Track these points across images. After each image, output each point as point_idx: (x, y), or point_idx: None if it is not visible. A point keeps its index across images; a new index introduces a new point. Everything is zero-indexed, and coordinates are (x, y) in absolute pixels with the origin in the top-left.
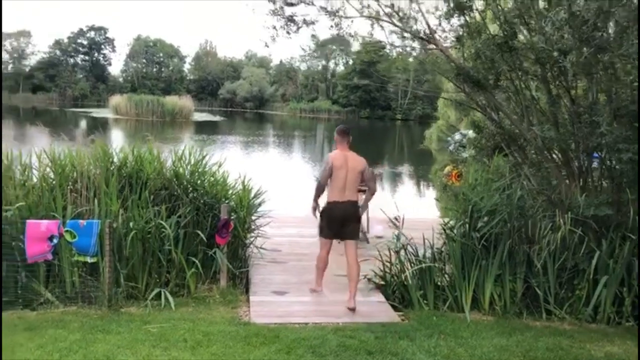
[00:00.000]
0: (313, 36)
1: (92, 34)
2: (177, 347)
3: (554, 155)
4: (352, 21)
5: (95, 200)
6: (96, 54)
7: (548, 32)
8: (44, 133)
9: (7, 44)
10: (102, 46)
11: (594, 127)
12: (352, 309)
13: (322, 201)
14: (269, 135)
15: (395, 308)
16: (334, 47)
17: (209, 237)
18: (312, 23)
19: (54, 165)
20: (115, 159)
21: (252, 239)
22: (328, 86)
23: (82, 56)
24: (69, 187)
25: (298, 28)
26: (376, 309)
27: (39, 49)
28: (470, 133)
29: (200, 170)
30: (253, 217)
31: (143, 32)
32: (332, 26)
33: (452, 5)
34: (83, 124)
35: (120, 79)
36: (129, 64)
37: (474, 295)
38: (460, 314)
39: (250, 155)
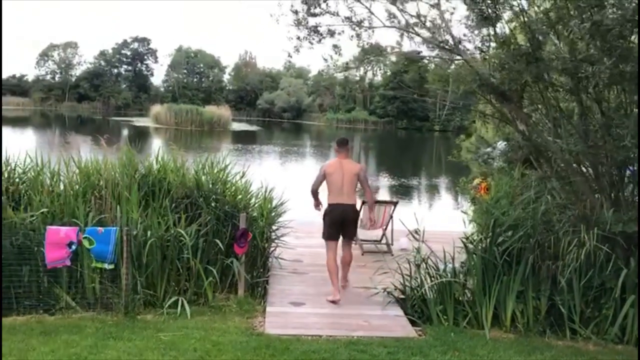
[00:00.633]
0: (335, 46)
1: (135, 45)
2: (186, 356)
3: (584, 169)
4: (373, 31)
5: (118, 208)
6: (139, 65)
7: (571, 41)
8: (86, 141)
9: (55, 54)
10: (145, 57)
11: (621, 140)
12: (344, 286)
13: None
14: (305, 146)
15: (413, 323)
16: (372, 58)
17: (228, 246)
18: (339, 34)
19: (80, 173)
20: (140, 167)
21: (272, 249)
22: (365, 97)
23: (125, 66)
24: (94, 194)
25: (321, 39)
26: (393, 322)
27: (85, 60)
28: (499, 145)
29: (222, 179)
30: (274, 227)
31: (185, 42)
32: (352, 37)
33: (479, 17)
34: (124, 132)
35: (162, 89)
36: (170, 74)
37: (495, 312)
38: (480, 331)
39: (285, 165)
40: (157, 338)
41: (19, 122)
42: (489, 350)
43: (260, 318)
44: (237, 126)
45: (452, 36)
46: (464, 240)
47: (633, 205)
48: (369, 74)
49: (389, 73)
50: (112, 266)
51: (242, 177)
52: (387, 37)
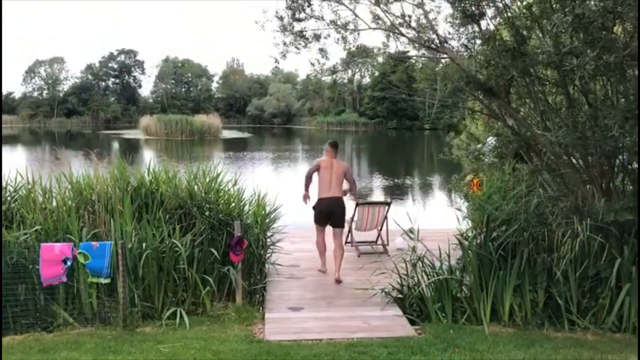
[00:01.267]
0: (322, 50)
1: (122, 57)
2: None
3: (574, 160)
4: (358, 34)
5: (112, 221)
6: (126, 77)
7: (555, 35)
8: (77, 156)
9: (41, 70)
10: (132, 69)
11: (609, 130)
12: (339, 281)
13: (314, 197)
14: (297, 150)
15: (412, 322)
16: (359, 60)
17: (224, 254)
18: (324, 38)
19: (72, 188)
20: (132, 180)
21: (268, 255)
22: (355, 99)
23: (113, 79)
24: (87, 209)
25: (307, 43)
26: (392, 323)
27: (71, 74)
28: (489, 140)
29: (215, 187)
30: (269, 233)
31: (171, 53)
32: (338, 40)
33: (463, 15)
34: (115, 145)
35: (151, 100)
36: (158, 85)
37: (493, 307)
38: (478, 327)
39: (277, 170)
40: (157, 350)
41: (8, 140)
42: (488, 346)
43: (259, 325)
44: (227, 134)
45: (438, 35)
46: (459, 237)
47: (624, 194)
48: (357, 76)
49: (377, 74)
50: (108, 280)
51: (234, 184)
52: (373, 39)
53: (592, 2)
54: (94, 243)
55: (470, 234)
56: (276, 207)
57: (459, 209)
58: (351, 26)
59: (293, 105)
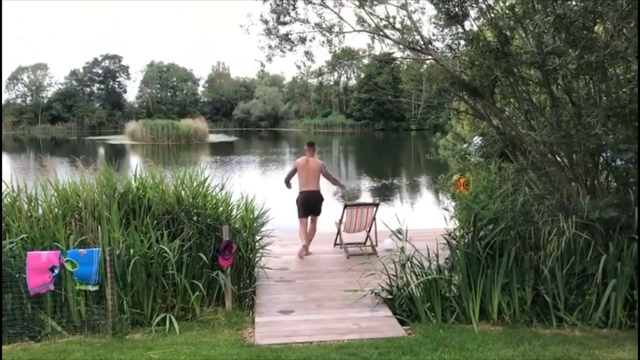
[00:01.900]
0: (307, 53)
1: (106, 62)
2: None
3: (559, 159)
4: (343, 36)
5: (99, 228)
6: (111, 82)
7: (538, 35)
8: (62, 163)
9: (24, 77)
10: (117, 74)
11: (591, 128)
12: (307, 251)
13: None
14: (285, 153)
15: (402, 322)
16: (345, 62)
17: (212, 259)
18: (310, 40)
19: (58, 196)
20: (119, 186)
21: (257, 259)
22: (341, 101)
23: (97, 85)
24: (74, 217)
25: (292, 46)
26: (382, 323)
27: (55, 81)
28: (475, 140)
29: (202, 192)
30: (257, 237)
31: (156, 57)
32: (323, 42)
33: (447, 16)
34: (101, 151)
35: (136, 105)
36: (143, 90)
37: (482, 306)
38: (468, 326)
39: (265, 173)
40: (146, 357)
41: None
42: (478, 344)
43: (249, 329)
44: (214, 138)
45: (422, 36)
46: (447, 236)
47: (608, 192)
48: (344, 78)
49: (362, 76)
50: (96, 287)
51: (222, 189)
52: (358, 41)
53: (573, 2)
54: (81, 250)
55: (458, 233)
56: (264, 211)
57: (447, 209)
58: (336, 29)
59: (280, 108)
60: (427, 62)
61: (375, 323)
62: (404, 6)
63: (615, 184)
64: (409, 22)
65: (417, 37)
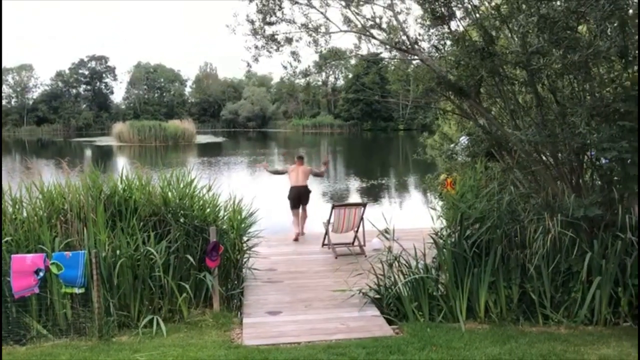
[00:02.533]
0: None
1: (93, 63)
2: None
3: (544, 158)
4: (330, 36)
5: (85, 230)
6: (98, 83)
7: (522, 35)
8: (48, 165)
9: (9, 78)
10: (104, 75)
11: (576, 127)
12: (297, 239)
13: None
14: (273, 154)
15: (390, 321)
16: (332, 62)
17: (200, 260)
18: (296, 41)
19: (43, 198)
20: (105, 188)
21: (245, 260)
22: (329, 101)
23: (84, 86)
24: (59, 219)
25: (279, 47)
26: (370, 323)
27: (41, 82)
28: (462, 140)
29: (189, 193)
30: (245, 238)
31: (143, 58)
32: (310, 43)
33: (433, 16)
34: (88, 153)
35: (123, 106)
36: (130, 91)
37: (469, 304)
38: (455, 324)
39: (253, 174)
40: (133, 359)
41: None
42: (465, 343)
43: (237, 330)
44: (202, 139)
45: (408, 37)
46: (434, 236)
47: (593, 190)
48: (331, 79)
49: (350, 76)
50: (82, 290)
51: (209, 190)
52: (345, 41)
53: (557, 3)
54: (66, 253)
55: (444, 232)
56: (252, 212)
57: (434, 208)
58: (322, 29)
59: (268, 109)
60: (414, 62)
61: (363, 323)
62: (390, 6)
63: (599, 182)
64: (395, 22)
65: (404, 38)
